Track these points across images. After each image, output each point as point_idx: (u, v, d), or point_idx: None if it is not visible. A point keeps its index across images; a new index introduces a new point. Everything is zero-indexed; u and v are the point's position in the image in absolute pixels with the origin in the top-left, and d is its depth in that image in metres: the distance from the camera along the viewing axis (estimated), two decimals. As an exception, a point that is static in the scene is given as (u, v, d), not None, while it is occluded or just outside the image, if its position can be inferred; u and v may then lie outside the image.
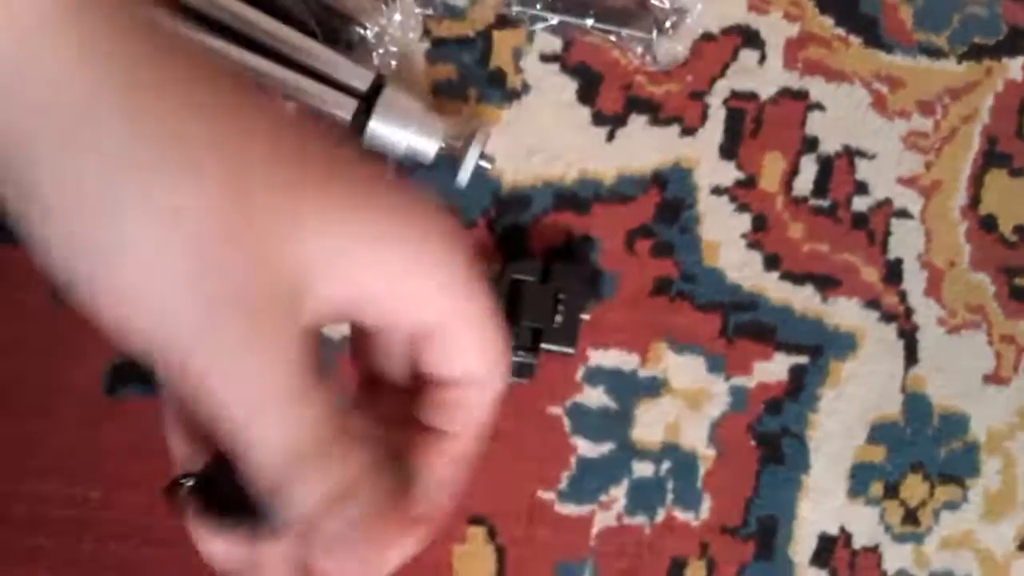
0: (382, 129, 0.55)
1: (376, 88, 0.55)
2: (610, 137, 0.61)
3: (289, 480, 0.28)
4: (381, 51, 0.58)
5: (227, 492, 0.30)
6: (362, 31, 0.57)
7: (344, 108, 0.55)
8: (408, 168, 0.58)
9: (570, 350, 0.58)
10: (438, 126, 0.56)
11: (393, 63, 0.58)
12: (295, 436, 0.28)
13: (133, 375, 0.56)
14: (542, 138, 0.61)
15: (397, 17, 0.58)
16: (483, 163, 0.57)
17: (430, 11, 0.59)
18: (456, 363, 0.32)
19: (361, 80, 0.55)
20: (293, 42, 0.55)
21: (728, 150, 0.62)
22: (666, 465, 0.61)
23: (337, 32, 0.57)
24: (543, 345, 0.58)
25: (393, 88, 0.56)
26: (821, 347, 0.63)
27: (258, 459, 0.28)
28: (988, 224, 0.65)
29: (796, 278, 0.63)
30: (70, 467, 0.55)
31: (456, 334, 0.31)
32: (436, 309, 0.30)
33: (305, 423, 0.28)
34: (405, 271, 0.29)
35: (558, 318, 0.57)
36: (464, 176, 0.57)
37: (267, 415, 0.28)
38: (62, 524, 0.55)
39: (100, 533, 0.55)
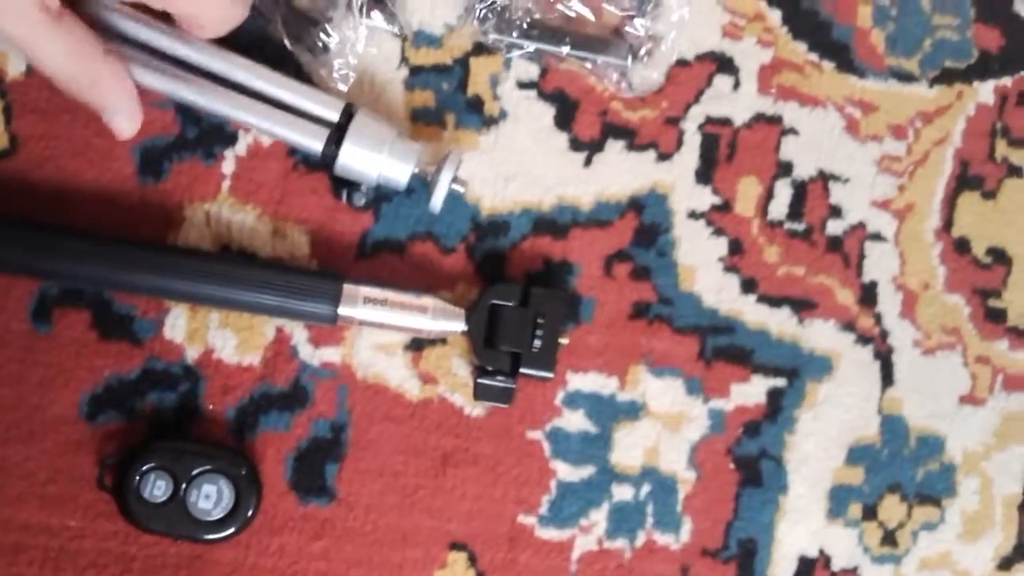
0: (354, 156, 0.56)
1: (347, 116, 0.56)
2: (587, 162, 0.62)
3: None
4: (341, 61, 0.58)
5: None
6: (326, 38, 0.58)
7: (315, 138, 0.55)
8: (383, 195, 0.59)
9: (549, 375, 0.58)
10: (411, 151, 0.56)
11: (351, 75, 0.58)
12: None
13: (111, 401, 0.56)
14: (520, 164, 0.61)
15: (363, 30, 0.58)
16: (456, 187, 0.57)
17: (396, 29, 0.59)
18: None
19: (332, 109, 0.56)
20: (260, 75, 0.55)
21: (704, 175, 0.63)
22: (646, 488, 0.61)
23: (303, 36, 0.57)
24: (522, 370, 0.58)
25: (364, 115, 0.56)
26: (798, 369, 0.63)
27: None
28: (962, 246, 0.66)
29: (772, 301, 0.63)
30: (48, 494, 0.55)
31: None
32: None
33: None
34: None
35: (537, 343, 0.58)
36: (437, 201, 0.57)
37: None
38: (41, 552, 0.55)
39: (79, 562, 0.55)
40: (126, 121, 0.54)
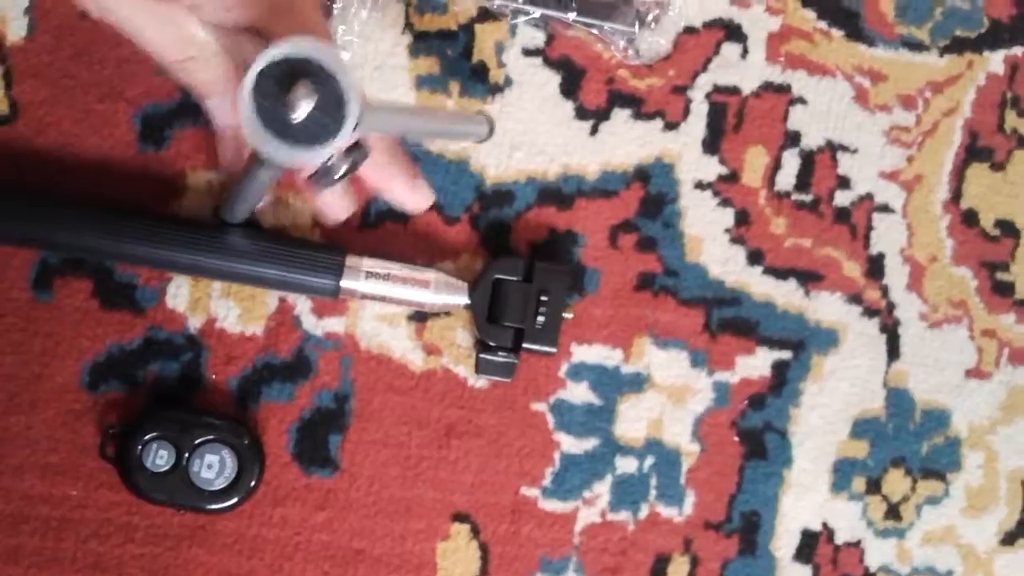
0: None
1: None
2: (593, 131, 0.61)
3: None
4: (344, 27, 0.57)
5: None
6: (329, 3, 0.57)
7: None
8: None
9: (551, 350, 0.58)
10: None
11: (355, 40, 0.57)
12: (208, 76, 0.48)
13: (113, 371, 0.56)
14: (525, 132, 0.60)
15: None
16: None
17: None
18: None
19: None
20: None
21: (711, 144, 0.62)
22: (649, 461, 0.61)
23: None
24: (524, 345, 0.57)
25: None
26: (804, 342, 0.63)
27: (193, 86, 0.49)
28: (970, 218, 0.65)
29: (779, 273, 0.63)
30: (50, 464, 0.55)
31: None
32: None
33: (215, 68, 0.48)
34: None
35: (540, 318, 0.57)
36: None
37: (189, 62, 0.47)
38: (42, 522, 0.55)
39: (81, 531, 0.55)
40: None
